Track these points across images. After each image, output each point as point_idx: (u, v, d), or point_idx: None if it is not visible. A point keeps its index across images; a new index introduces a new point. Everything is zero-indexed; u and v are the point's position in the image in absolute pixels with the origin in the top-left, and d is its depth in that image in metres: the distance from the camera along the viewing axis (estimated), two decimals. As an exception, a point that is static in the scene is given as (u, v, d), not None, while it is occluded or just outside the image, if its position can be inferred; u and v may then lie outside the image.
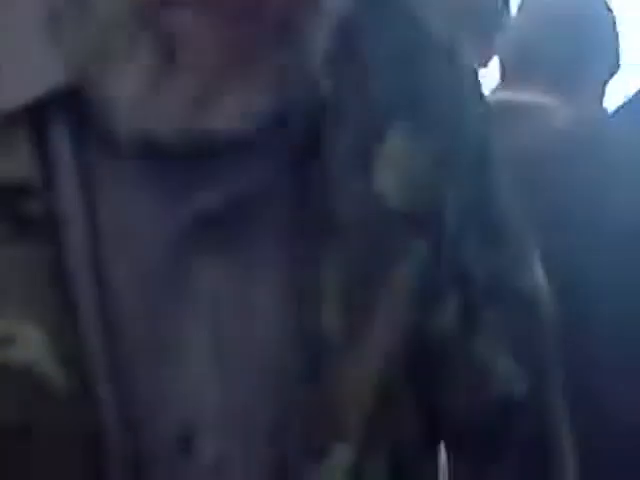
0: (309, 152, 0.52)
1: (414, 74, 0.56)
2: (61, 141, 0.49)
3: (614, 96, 1.57)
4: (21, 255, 0.48)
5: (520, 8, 1.50)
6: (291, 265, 0.52)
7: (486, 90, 0.92)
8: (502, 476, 0.63)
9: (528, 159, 1.25)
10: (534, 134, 1.34)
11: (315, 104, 0.52)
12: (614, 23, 1.44)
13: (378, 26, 0.56)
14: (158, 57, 0.46)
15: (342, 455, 0.53)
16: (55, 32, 0.48)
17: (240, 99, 0.47)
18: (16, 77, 0.48)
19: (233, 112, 0.47)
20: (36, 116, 0.48)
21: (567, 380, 0.67)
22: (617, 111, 1.40)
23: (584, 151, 1.29)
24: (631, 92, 1.35)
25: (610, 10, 1.45)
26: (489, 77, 1.58)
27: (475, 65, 0.66)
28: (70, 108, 0.49)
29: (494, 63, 1.60)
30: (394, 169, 0.54)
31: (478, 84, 0.61)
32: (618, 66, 1.46)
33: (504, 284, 0.61)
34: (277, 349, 0.52)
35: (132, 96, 0.47)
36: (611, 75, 1.47)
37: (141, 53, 0.46)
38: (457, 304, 0.58)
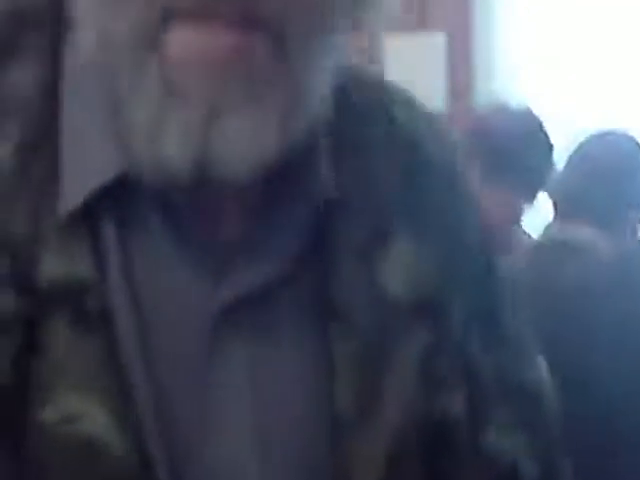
0: (316, 241, 0.57)
1: (416, 189, 0.61)
2: (109, 233, 0.53)
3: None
4: (80, 345, 0.52)
5: (568, 162, 1.85)
6: (310, 345, 0.58)
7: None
8: None
9: (577, 286, 1.63)
10: (582, 265, 1.68)
11: (321, 197, 0.56)
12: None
13: (380, 139, 0.61)
14: (163, 98, 0.50)
15: None
16: (110, 128, 0.52)
17: (245, 126, 0.50)
18: (77, 176, 0.53)
19: (239, 139, 0.50)
20: (89, 210, 0.53)
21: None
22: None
23: (624, 281, 1.66)
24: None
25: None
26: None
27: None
28: (115, 197, 0.53)
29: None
30: (399, 267, 0.59)
31: (478, 207, 0.67)
32: None
33: (510, 379, 0.65)
34: (305, 426, 0.57)
35: (146, 133, 0.51)
36: None
37: (149, 91, 0.51)
38: (465, 396, 0.61)
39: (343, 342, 0.57)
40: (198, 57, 0.49)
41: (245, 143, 0.50)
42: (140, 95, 0.50)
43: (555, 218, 1.80)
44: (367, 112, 0.62)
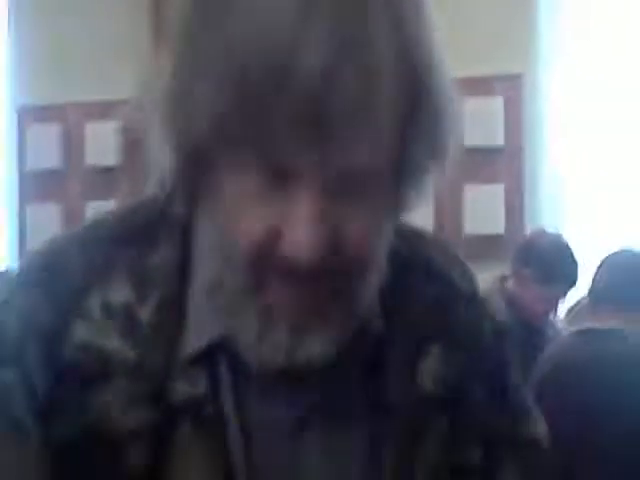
0: (372, 365, 0.81)
1: (444, 313, 0.85)
2: (221, 368, 0.77)
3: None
4: (200, 444, 0.75)
5: (602, 263, 2.45)
6: (365, 441, 0.80)
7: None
8: None
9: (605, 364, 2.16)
10: (610, 349, 2.20)
11: (373, 335, 0.80)
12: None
13: (419, 279, 0.85)
14: (263, 323, 0.73)
15: None
16: (212, 299, 0.76)
17: (319, 340, 0.73)
18: (194, 332, 0.77)
19: (316, 349, 0.73)
20: (206, 355, 0.77)
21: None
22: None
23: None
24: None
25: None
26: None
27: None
28: (225, 348, 0.77)
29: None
30: (432, 373, 0.82)
31: (492, 314, 0.91)
32: None
33: (520, 434, 0.88)
34: None
35: (252, 343, 0.74)
36: None
37: (252, 319, 0.73)
38: (481, 454, 0.84)
39: (389, 440, 0.79)
40: (289, 303, 0.70)
41: (316, 350, 0.72)
42: (246, 323, 0.72)
43: (590, 312, 2.43)
44: (409, 258, 0.83)
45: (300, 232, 0.67)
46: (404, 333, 0.83)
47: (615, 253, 2.56)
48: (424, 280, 0.86)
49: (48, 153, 4.65)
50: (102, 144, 4.53)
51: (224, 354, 0.77)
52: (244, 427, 0.77)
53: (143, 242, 0.80)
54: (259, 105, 0.65)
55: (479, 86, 3.86)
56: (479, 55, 3.96)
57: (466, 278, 0.89)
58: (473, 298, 0.89)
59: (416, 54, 0.68)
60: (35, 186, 4.70)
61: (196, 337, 0.77)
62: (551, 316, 3.05)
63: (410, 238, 0.86)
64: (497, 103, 4.02)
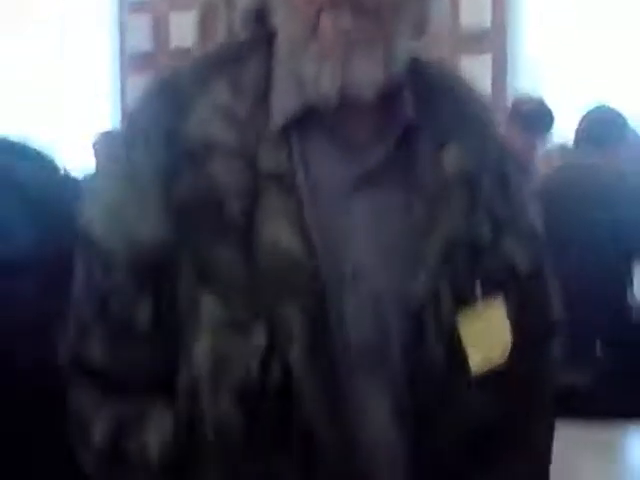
0: (402, 146, 0.96)
1: (462, 115, 1.00)
2: (295, 139, 0.94)
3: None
4: (283, 198, 0.92)
5: (583, 118, 3.29)
6: (402, 208, 0.96)
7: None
8: None
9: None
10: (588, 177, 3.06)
11: (405, 122, 0.96)
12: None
13: (441, 89, 1.02)
14: (319, 61, 0.90)
15: None
16: (294, 85, 0.94)
17: (366, 70, 0.90)
18: (275, 117, 0.94)
19: (364, 76, 0.90)
20: (284, 134, 0.94)
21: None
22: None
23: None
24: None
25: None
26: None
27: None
28: (298, 127, 0.94)
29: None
30: (452, 161, 0.97)
31: (494, 124, 1.08)
32: None
33: (520, 221, 1.03)
34: (402, 238, 0.95)
35: (312, 78, 0.91)
36: None
37: (312, 60, 0.90)
38: (490, 226, 0.98)
39: (422, 194, 0.95)
40: (337, 34, 0.88)
41: (365, 77, 0.90)
42: (309, 61, 0.90)
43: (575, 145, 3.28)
44: (434, 76, 1.02)
45: None
46: (431, 125, 0.99)
47: (594, 109, 3.33)
48: (445, 91, 1.03)
49: (142, 38, 5.63)
50: (184, 30, 5.25)
51: (296, 134, 0.95)
52: (312, 190, 0.94)
53: (237, 61, 0.98)
54: None
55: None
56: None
57: (479, 97, 1.09)
58: (483, 110, 1.07)
59: None
60: (133, 63, 5.64)
61: (278, 117, 0.94)
62: (533, 158, 3.69)
63: (435, 67, 1.06)
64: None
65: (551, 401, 1.10)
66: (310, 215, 0.93)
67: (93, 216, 0.98)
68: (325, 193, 0.96)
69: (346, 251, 0.95)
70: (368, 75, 0.91)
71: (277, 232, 0.92)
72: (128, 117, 1.06)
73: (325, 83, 0.91)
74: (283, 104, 0.95)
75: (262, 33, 0.98)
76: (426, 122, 0.98)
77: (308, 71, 0.92)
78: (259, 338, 0.90)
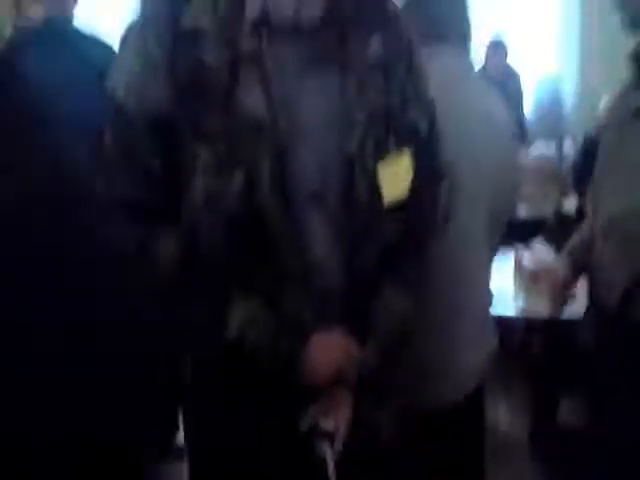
0: (342, 29, 1.19)
1: (384, 13, 1.25)
2: (265, 31, 1.15)
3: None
4: (256, 77, 1.16)
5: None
6: (339, 86, 1.19)
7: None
8: None
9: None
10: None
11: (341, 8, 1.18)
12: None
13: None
14: None
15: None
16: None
17: (316, 6, 1.14)
18: (250, 6, 1.17)
19: (311, 9, 1.14)
20: (255, 26, 1.17)
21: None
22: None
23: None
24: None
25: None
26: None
27: None
28: (265, 23, 1.17)
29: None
30: (374, 51, 1.22)
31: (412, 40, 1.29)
32: None
33: (421, 94, 1.27)
34: (334, 127, 1.19)
35: (275, 8, 1.15)
36: None
37: None
38: (399, 100, 1.24)
39: (353, 76, 1.18)
40: None
41: (314, 13, 1.15)
42: None
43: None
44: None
45: None
46: (359, 22, 1.20)
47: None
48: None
49: None
50: None
51: (264, 26, 1.13)
52: (277, 68, 1.14)
53: None
54: None
55: None
56: None
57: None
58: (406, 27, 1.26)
59: None
60: None
61: (252, 11, 1.14)
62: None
63: None
64: None
65: (434, 224, 1.34)
66: (275, 88, 1.14)
67: (116, 83, 1.18)
68: (286, 70, 1.15)
69: (299, 116, 1.15)
70: (318, 7, 1.16)
71: (250, 100, 1.13)
72: (141, 5, 1.20)
73: (285, 14, 1.15)
74: (254, 5, 1.15)
75: None
76: (355, 16, 1.18)
77: (276, 15, 1.15)
78: (238, 180, 1.12)
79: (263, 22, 1.15)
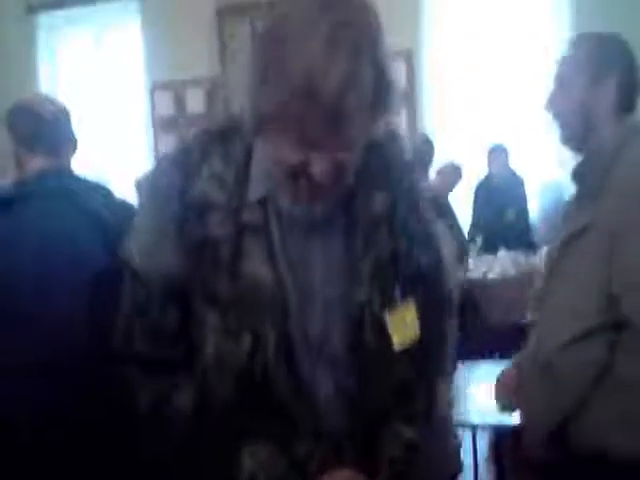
0: (347, 202, 1.23)
1: (387, 174, 1.27)
2: (270, 207, 1.21)
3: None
4: (258, 240, 1.21)
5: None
6: (344, 245, 1.23)
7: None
8: None
9: None
10: None
11: (348, 186, 1.19)
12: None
13: (373, 159, 1.25)
14: (297, 194, 1.16)
15: None
16: (267, 179, 1.20)
17: (325, 204, 1.19)
18: (255, 187, 1.21)
19: (322, 208, 1.20)
20: (261, 201, 1.21)
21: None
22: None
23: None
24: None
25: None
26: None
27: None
28: (271, 199, 1.21)
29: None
30: (378, 204, 1.25)
31: (412, 178, 1.34)
32: None
33: (429, 233, 1.31)
34: (340, 285, 1.23)
35: (286, 204, 1.20)
36: None
37: (287, 195, 1.17)
38: (405, 249, 1.28)
39: (358, 230, 1.22)
40: (307, 194, 1.14)
41: (320, 210, 1.21)
42: (283, 197, 1.18)
43: None
44: (373, 154, 1.24)
45: (320, 169, 1.07)
46: (364, 184, 1.23)
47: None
48: (377, 146, 1.24)
49: (167, 107, 6.66)
50: (197, 102, 6.50)
51: (271, 202, 1.19)
52: (281, 235, 1.19)
53: (225, 140, 1.21)
54: (299, 105, 1.01)
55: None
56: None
57: (402, 156, 1.32)
58: (403, 169, 1.31)
59: (383, 78, 1.06)
60: (161, 126, 6.68)
61: (256, 191, 1.18)
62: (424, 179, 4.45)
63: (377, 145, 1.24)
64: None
65: (445, 355, 1.40)
66: (280, 251, 1.20)
67: (132, 249, 1.24)
68: (289, 236, 1.21)
69: (306, 275, 1.21)
70: (329, 206, 1.21)
71: (255, 267, 1.18)
72: (153, 177, 1.27)
73: (295, 210, 1.20)
74: (260, 181, 1.21)
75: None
76: (360, 180, 1.21)
77: (282, 198, 1.20)
78: (246, 342, 1.17)
79: (268, 201, 1.22)
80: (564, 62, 1.80)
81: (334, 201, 1.19)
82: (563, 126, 1.79)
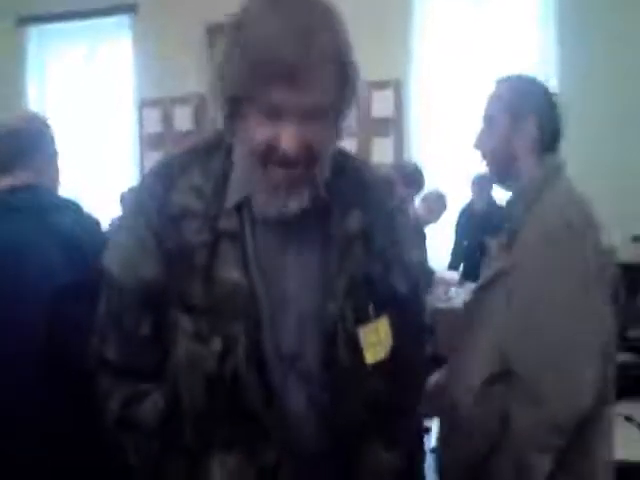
0: (322, 218, 1.24)
1: (363, 192, 1.29)
2: (244, 214, 1.22)
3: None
4: (233, 247, 1.22)
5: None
6: (319, 258, 1.25)
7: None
8: None
9: None
10: None
11: (323, 201, 1.23)
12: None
13: (349, 177, 1.30)
14: (269, 192, 1.18)
15: None
16: (243, 180, 1.21)
17: (297, 201, 1.18)
18: (231, 195, 1.22)
19: (294, 206, 1.18)
20: (237, 208, 1.23)
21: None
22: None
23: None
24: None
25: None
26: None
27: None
28: (247, 206, 1.23)
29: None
30: (355, 221, 1.26)
31: (395, 196, 1.35)
32: None
33: (405, 258, 1.31)
34: (315, 295, 1.24)
35: (261, 204, 1.20)
36: None
37: (263, 190, 1.18)
38: (381, 269, 1.27)
39: (333, 247, 1.23)
40: (281, 180, 1.15)
41: (295, 207, 1.18)
42: (259, 191, 1.19)
43: None
44: (343, 163, 1.28)
45: (288, 140, 1.09)
46: (339, 202, 1.25)
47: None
48: (352, 171, 1.29)
49: (155, 124, 6.68)
50: (185, 119, 6.50)
51: (246, 209, 1.20)
52: (255, 242, 1.22)
53: (207, 155, 1.25)
54: (261, 75, 1.07)
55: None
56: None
57: (379, 178, 1.34)
58: (384, 192, 1.33)
59: (344, 54, 1.12)
60: (149, 143, 6.68)
61: (232, 198, 1.21)
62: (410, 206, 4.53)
63: (349, 159, 1.30)
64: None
65: (423, 380, 1.46)
66: (252, 261, 1.21)
67: (112, 260, 1.27)
68: (264, 243, 1.23)
69: (279, 285, 1.23)
70: (303, 202, 1.19)
71: (229, 273, 1.20)
72: (135, 190, 1.31)
73: (271, 210, 1.20)
74: (237, 189, 1.22)
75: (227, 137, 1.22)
76: (336, 198, 1.25)
77: (258, 197, 1.21)
78: (216, 346, 1.18)
79: (244, 208, 1.24)
80: (489, 101, 1.84)
81: (308, 198, 1.20)
82: (490, 163, 1.82)
